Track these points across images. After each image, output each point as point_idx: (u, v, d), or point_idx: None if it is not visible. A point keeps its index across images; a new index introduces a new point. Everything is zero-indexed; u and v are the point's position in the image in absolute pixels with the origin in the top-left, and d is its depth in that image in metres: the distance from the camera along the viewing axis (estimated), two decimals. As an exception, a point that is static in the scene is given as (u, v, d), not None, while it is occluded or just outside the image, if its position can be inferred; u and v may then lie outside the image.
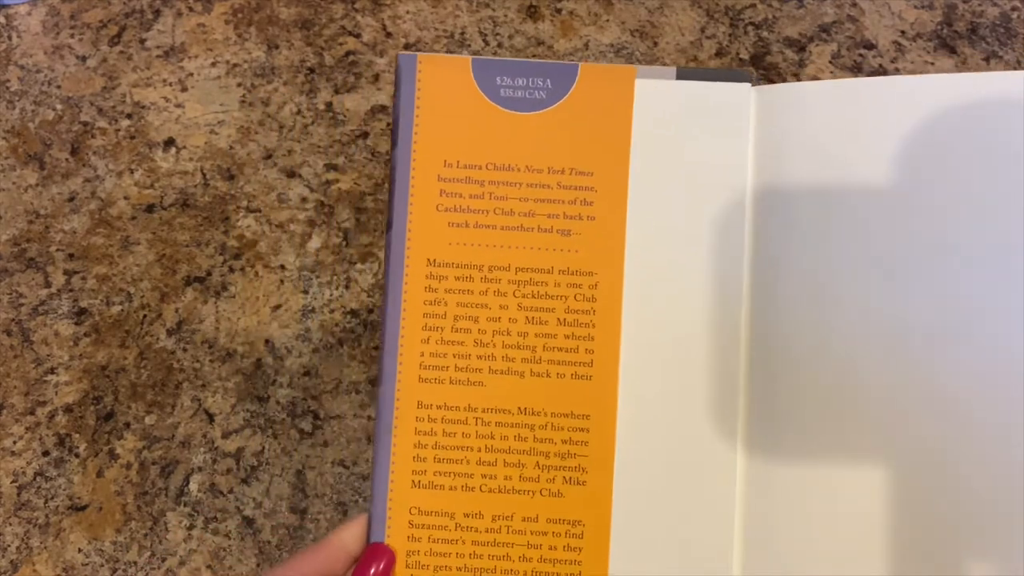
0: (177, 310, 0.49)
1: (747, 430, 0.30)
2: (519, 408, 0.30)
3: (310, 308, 0.49)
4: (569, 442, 0.30)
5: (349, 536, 0.30)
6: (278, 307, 0.49)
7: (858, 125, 0.30)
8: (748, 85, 0.31)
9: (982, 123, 0.30)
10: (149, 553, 0.46)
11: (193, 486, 0.47)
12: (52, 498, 0.47)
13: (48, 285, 0.50)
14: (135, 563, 0.46)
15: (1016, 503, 0.28)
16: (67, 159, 0.51)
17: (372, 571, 0.30)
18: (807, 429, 0.30)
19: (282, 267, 0.50)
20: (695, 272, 0.31)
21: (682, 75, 0.31)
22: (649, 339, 0.31)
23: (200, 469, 0.47)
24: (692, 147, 0.31)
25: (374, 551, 0.30)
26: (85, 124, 0.52)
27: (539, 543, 0.30)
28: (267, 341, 0.49)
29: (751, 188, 0.31)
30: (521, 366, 0.31)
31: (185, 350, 0.49)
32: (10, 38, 0.53)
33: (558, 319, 0.31)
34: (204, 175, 0.51)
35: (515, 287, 0.31)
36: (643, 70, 0.31)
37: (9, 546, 0.46)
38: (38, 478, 0.47)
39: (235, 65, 0.53)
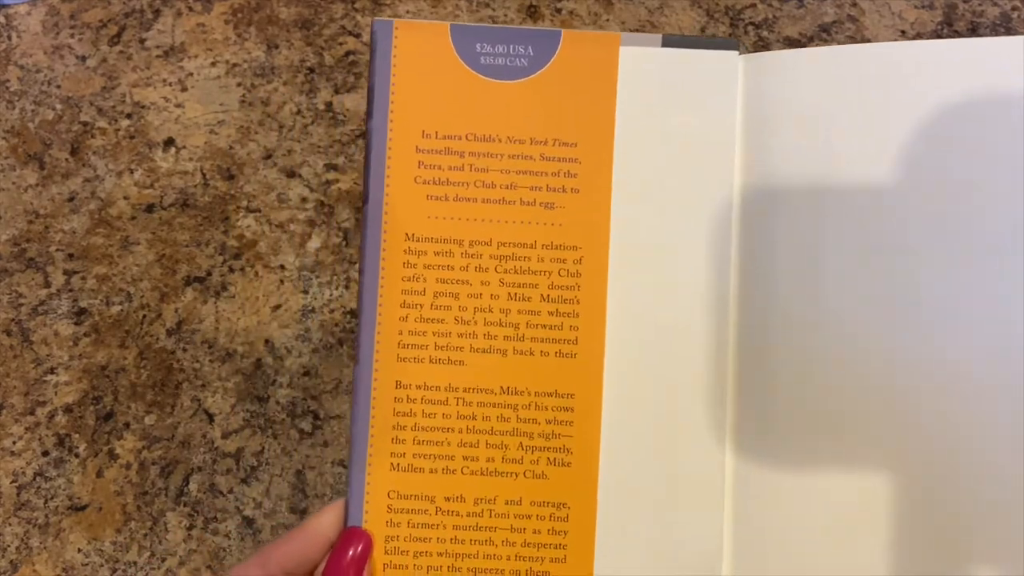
0: (177, 310, 0.49)
1: (736, 423, 0.30)
2: (501, 387, 0.30)
3: (310, 308, 0.49)
4: (553, 422, 0.30)
5: (326, 522, 0.30)
6: (278, 307, 0.49)
7: (850, 92, 0.29)
8: (735, 53, 0.30)
9: (980, 89, 0.29)
10: (149, 553, 0.46)
11: (193, 486, 0.47)
12: (52, 498, 0.47)
13: (48, 285, 0.50)
14: (135, 563, 0.46)
15: (1016, 503, 0.28)
16: (67, 159, 0.51)
17: (350, 554, 0.29)
18: (797, 429, 0.29)
19: (282, 267, 0.50)
20: (682, 246, 0.30)
21: (668, 42, 0.30)
22: (636, 316, 0.30)
23: (200, 469, 0.47)
24: (678, 116, 0.30)
25: (351, 535, 0.29)
26: (85, 124, 0.52)
27: (523, 527, 0.29)
28: (267, 341, 0.49)
29: (739, 159, 0.30)
30: (503, 344, 0.30)
31: (185, 350, 0.49)
32: (10, 38, 0.53)
33: (542, 295, 0.30)
34: (204, 175, 0.51)
35: (497, 262, 0.30)
36: (628, 37, 0.30)
37: (9, 546, 0.46)
38: (38, 478, 0.47)
39: (235, 65, 0.53)
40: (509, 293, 0.30)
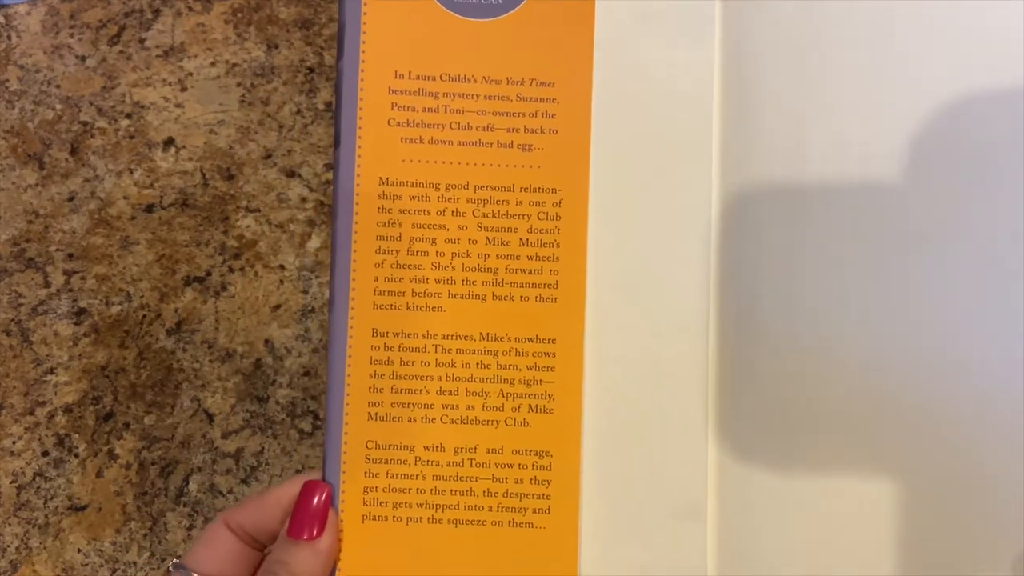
0: (177, 310, 0.49)
1: (719, 373, 0.29)
2: (481, 334, 0.29)
3: (310, 308, 0.49)
4: (535, 368, 0.29)
5: (289, 493, 0.29)
6: (278, 307, 0.49)
7: (830, 21, 0.29)
8: None
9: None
10: (148, 553, 0.46)
11: (193, 486, 0.47)
12: (51, 498, 0.47)
13: (47, 285, 0.50)
14: (135, 563, 0.46)
15: (1006, 503, 0.28)
16: (67, 159, 0.51)
17: (314, 504, 0.28)
18: (780, 418, 0.29)
19: (282, 267, 0.50)
20: (663, 184, 0.29)
21: None
22: (617, 257, 0.29)
23: (200, 469, 0.47)
24: (656, 53, 0.29)
25: (312, 486, 0.28)
26: (85, 124, 0.52)
27: (504, 476, 0.29)
28: (267, 341, 0.49)
29: (718, 95, 0.29)
30: (482, 289, 0.29)
31: (185, 350, 0.49)
32: (9, 38, 0.53)
33: (520, 239, 0.29)
34: (204, 175, 0.51)
35: (474, 206, 0.29)
36: None
37: (8, 546, 0.46)
38: (37, 478, 0.47)
39: (235, 65, 0.53)
40: (487, 238, 0.29)
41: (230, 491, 0.47)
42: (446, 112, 0.29)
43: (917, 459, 0.28)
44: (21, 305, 0.49)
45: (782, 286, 0.29)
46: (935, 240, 0.29)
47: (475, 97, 0.29)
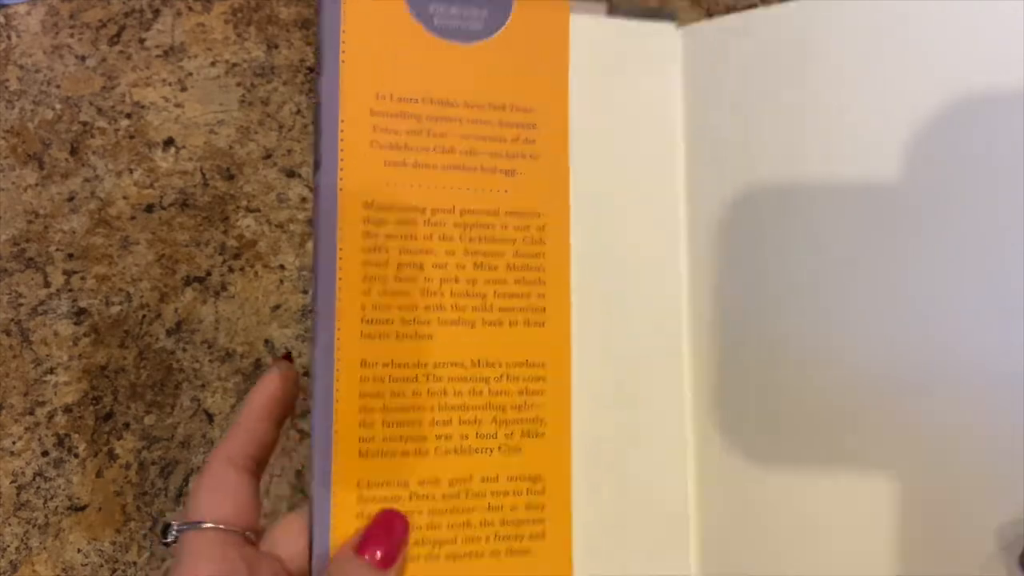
0: (176, 310, 0.49)
1: (697, 391, 0.30)
2: (472, 360, 0.28)
3: (310, 308, 0.49)
4: (526, 392, 0.28)
5: (261, 394, 0.28)
6: (278, 307, 0.49)
7: (780, 57, 0.30)
8: (673, 25, 0.31)
9: (928, 35, 0.29)
10: (148, 553, 0.46)
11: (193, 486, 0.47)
12: (51, 498, 0.47)
13: (47, 285, 0.50)
14: (135, 563, 0.46)
15: (983, 515, 0.28)
16: (66, 159, 0.51)
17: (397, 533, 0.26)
18: (763, 427, 0.29)
19: (282, 267, 0.50)
20: (636, 210, 0.30)
21: (612, 11, 0.30)
22: (598, 279, 0.30)
23: (199, 469, 0.47)
24: (623, 85, 0.30)
25: (391, 516, 0.27)
26: (84, 124, 0.52)
27: (500, 504, 0.28)
28: (267, 341, 0.49)
29: (683, 128, 0.30)
30: (472, 315, 0.28)
31: (184, 350, 0.48)
32: (9, 38, 0.53)
33: (507, 264, 0.29)
34: (204, 175, 0.51)
35: (461, 231, 0.28)
36: (576, 5, 0.30)
37: (9, 546, 0.46)
38: (37, 478, 0.47)
39: (235, 65, 0.53)
40: (475, 262, 0.28)
41: (230, 491, 0.47)
42: (429, 135, 0.28)
43: (909, 460, 0.28)
44: (21, 305, 0.49)
45: (779, 292, 0.29)
46: (933, 238, 0.29)
47: (458, 121, 0.29)
